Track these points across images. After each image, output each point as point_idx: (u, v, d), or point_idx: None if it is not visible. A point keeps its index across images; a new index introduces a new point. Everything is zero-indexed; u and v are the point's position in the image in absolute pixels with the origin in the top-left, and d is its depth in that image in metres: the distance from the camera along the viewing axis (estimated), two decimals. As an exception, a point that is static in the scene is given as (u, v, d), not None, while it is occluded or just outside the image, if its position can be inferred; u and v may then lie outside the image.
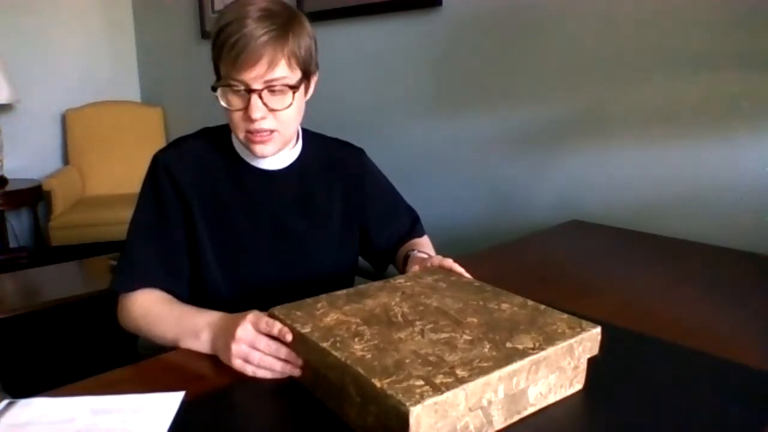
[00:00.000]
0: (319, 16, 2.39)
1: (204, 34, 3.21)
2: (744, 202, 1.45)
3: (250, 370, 0.80)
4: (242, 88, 0.93)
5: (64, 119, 3.61)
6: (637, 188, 1.65)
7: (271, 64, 0.92)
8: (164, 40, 3.65)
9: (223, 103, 0.96)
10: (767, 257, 1.33)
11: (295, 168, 1.10)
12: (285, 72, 0.94)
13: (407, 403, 0.58)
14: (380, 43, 2.31)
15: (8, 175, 3.22)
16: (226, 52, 0.91)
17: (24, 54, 3.41)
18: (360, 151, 1.21)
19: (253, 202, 1.07)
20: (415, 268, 1.02)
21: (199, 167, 1.04)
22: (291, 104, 0.96)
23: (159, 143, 3.63)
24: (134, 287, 0.99)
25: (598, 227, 1.62)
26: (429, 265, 1.01)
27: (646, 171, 1.63)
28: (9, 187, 3.14)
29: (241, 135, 0.98)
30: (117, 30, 3.81)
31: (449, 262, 0.99)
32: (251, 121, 0.94)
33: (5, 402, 0.74)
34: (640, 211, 1.63)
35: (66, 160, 3.64)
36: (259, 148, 0.98)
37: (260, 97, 0.93)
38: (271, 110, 0.95)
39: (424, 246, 1.22)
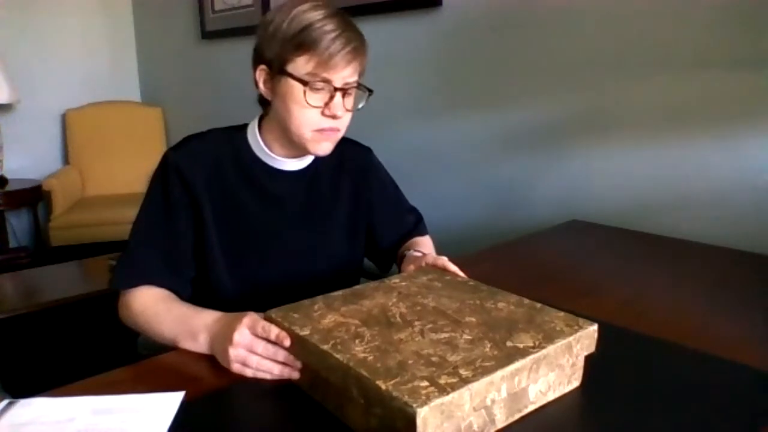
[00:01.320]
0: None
1: (204, 34, 3.20)
2: (744, 202, 1.45)
3: (249, 374, 0.80)
4: (326, 86, 0.96)
5: (64, 119, 3.61)
6: (637, 188, 1.65)
7: (357, 68, 0.98)
8: (164, 40, 3.65)
9: (307, 100, 0.96)
10: (767, 257, 1.33)
11: (310, 168, 1.11)
12: (357, 77, 1.00)
13: (414, 405, 0.58)
14: (380, 43, 2.30)
15: (8, 175, 3.22)
16: (323, 49, 0.92)
17: (24, 54, 3.42)
18: (367, 150, 1.22)
19: (266, 201, 1.07)
20: (410, 267, 1.03)
21: (211, 166, 1.04)
22: (359, 105, 1.02)
23: (159, 143, 3.64)
24: (134, 284, 0.99)
25: (598, 227, 1.62)
26: (423, 263, 1.01)
27: (646, 171, 1.63)
28: (9, 187, 3.14)
29: (308, 133, 0.98)
30: (117, 30, 3.81)
31: (443, 261, 0.99)
32: (331, 117, 0.97)
33: (5, 402, 0.74)
34: (640, 211, 1.63)
35: (66, 160, 3.65)
36: (325, 145, 1.01)
37: (343, 96, 0.97)
38: (346, 110, 0.99)
39: (424, 245, 1.22)
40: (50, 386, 0.79)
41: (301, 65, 0.95)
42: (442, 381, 0.62)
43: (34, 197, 3.21)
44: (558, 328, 0.74)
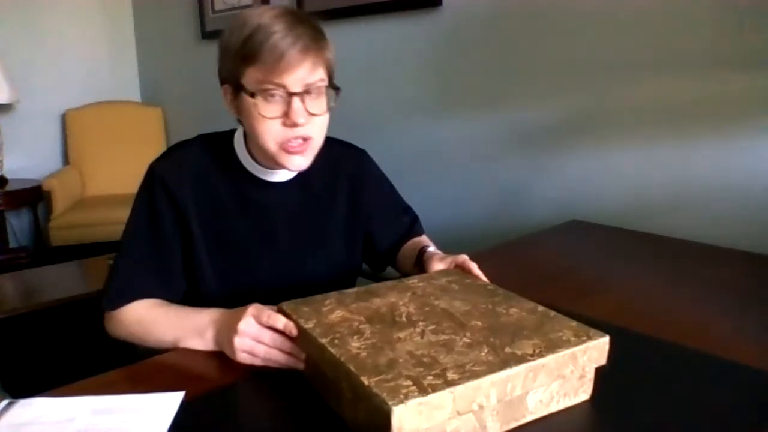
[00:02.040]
0: (319, 16, 2.39)
1: (204, 34, 3.20)
2: (745, 201, 1.45)
3: (258, 362, 0.81)
4: (281, 93, 0.89)
5: (64, 119, 3.61)
6: (637, 188, 1.65)
7: (314, 66, 0.90)
8: (164, 40, 3.65)
9: (260, 112, 0.90)
10: (767, 257, 1.33)
11: (299, 177, 1.06)
12: (323, 74, 0.92)
13: (390, 403, 0.58)
14: (380, 43, 2.31)
15: (8, 175, 3.22)
16: (266, 55, 0.87)
17: (24, 54, 3.41)
18: (362, 153, 1.20)
19: (256, 213, 1.04)
20: (439, 265, 1.01)
21: (198, 178, 1.01)
22: (330, 107, 0.94)
23: (159, 143, 3.63)
24: (125, 303, 0.97)
25: (598, 227, 1.62)
26: (452, 264, 1.00)
27: (646, 171, 1.63)
28: (9, 187, 3.14)
29: (274, 146, 0.93)
30: (117, 30, 3.80)
31: (470, 265, 0.98)
32: (293, 126, 0.90)
33: (5, 402, 0.74)
34: (640, 211, 1.63)
35: (66, 160, 3.64)
36: (296, 160, 0.94)
37: (302, 101, 0.90)
38: (311, 115, 0.92)
39: (428, 244, 1.20)
40: (50, 386, 0.79)
41: (252, 76, 0.89)
42: (425, 382, 0.62)
43: (34, 197, 3.21)
44: (564, 338, 0.72)
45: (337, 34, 2.60)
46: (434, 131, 2.18)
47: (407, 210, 1.28)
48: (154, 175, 1.00)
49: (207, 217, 1.01)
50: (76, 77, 3.64)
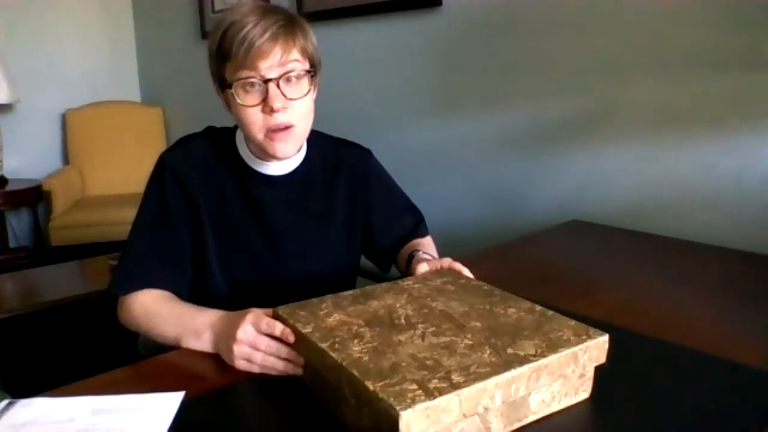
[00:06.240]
0: (319, 16, 2.39)
1: (204, 35, 3.20)
2: (744, 201, 1.45)
3: (256, 370, 0.81)
4: (258, 79, 0.92)
5: (64, 119, 3.61)
6: (638, 188, 1.65)
7: (285, 51, 0.92)
8: (164, 40, 3.65)
9: (239, 101, 0.94)
10: (767, 257, 1.33)
11: (300, 172, 1.09)
12: (299, 57, 0.95)
13: (398, 408, 0.57)
14: (380, 43, 2.31)
15: (8, 175, 3.22)
16: (237, 47, 0.91)
17: (24, 54, 3.41)
18: (367, 152, 1.20)
19: (258, 207, 1.06)
20: (423, 268, 1.01)
21: (206, 170, 1.04)
22: (309, 91, 0.96)
23: (159, 143, 3.64)
24: (133, 288, 0.99)
25: (598, 227, 1.62)
26: (439, 266, 0.99)
27: (647, 171, 1.63)
28: (9, 187, 3.14)
29: (260, 135, 0.96)
30: (117, 30, 3.81)
31: (458, 266, 0.98)
32: (271, 112, 0.93)
33: (5, 402, 0.74)
34: (640, 211, 1.63)
35: (66, 160, 3.64)
36: (280, 147, 0.97)
37: (278, 86, 0.93)
38: (290, 99, 0.94)
39: (427, 246, 1.21)
40: (50, 386, 0.79)
41: (230, 70, 0.94)
42: (431, 385, 0.61)
43: (34, 197, 3.21)
44: (565, 337, 0.72)
45: (337, 34, 2.60)
46: (434, 131, 2.18)
47: (412, 210, 1.28)
48: (164, 164, 1.03)
49: (213, 207, 1.04)
50: (76, 77, 3.64)
